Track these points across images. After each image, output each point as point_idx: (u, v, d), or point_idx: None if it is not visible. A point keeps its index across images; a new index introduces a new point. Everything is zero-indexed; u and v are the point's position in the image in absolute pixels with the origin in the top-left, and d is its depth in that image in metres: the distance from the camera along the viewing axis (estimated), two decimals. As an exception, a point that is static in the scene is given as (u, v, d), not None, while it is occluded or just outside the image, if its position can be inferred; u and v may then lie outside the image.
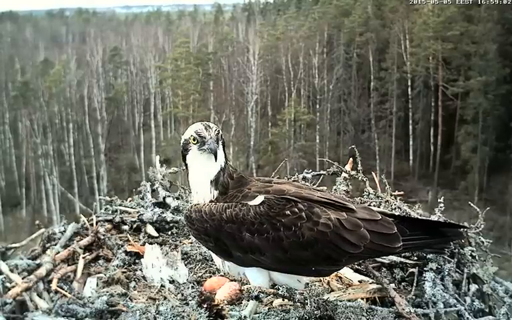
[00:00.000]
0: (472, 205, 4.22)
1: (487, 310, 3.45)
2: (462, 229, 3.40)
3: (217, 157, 3.10)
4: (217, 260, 3.30)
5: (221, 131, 3.16)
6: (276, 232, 2.96)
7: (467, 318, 3.19)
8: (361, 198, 4.48)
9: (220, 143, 3.14)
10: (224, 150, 3.19)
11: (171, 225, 4.59)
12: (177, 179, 5.71)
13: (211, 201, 3.13)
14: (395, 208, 4.22)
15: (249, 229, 2.98)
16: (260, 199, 3.04)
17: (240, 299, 3.55)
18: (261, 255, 3.01)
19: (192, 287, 3.88)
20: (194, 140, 3.12)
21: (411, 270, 3.68)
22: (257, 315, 3.22)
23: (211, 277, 4.02)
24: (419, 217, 4.01)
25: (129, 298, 3.68)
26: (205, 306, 3.22)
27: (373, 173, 4.83)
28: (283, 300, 3.34)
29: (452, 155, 44.15)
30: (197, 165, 3.16)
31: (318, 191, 3.36)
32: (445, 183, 41.30)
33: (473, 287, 3.54)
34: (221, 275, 4.00)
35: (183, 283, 3.95)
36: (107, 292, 3.66)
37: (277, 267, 3.10)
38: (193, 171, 3.19)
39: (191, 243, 4.41)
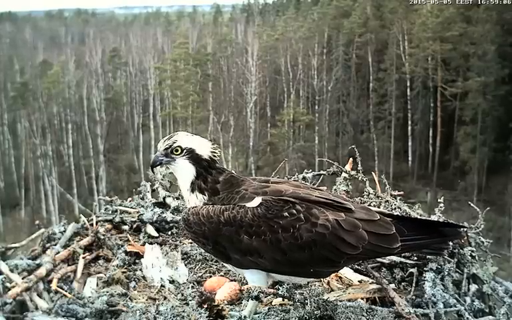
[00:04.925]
0: (472, 205, 4.22)
1: (487, 310, 3.44)
2: (461, 229, 3.38)
3: (153, 169, 3.33)
4: None
5: (183, 143, 3.12)
6: (274, 234, 2.94)
7: (467, 318, 3.18)
8: (361, 198, 4.48)
9: (181, 155, 3.13)
10: (200, 159, 3.13)
11: (171, 225, 4.58)
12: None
13: (205, 203, 3.11)
14: (395, 208, 4.22)
15: (247, 231, 2.96)
16: (258, 200, 3.02)
17: (240, 299, 3.55)
18: (259, 257, 2.99)
19: (192, 286, 3.88)
20: None
21: (411, 270, 3.66)
22: (257, 315, 3.21)
23: (211, 276, 4.02)
24: (418, 217, 4.01)
25: (129, 298, 3.68)
26: (205, 306, 3.21)
27: (373, 173, 4.82)
28: (283, 300, 3.33)
29: (451, 156, 44.17)
30: (176, 174, 3.28)
31: (316, 190, 3.33)
32: (444, 184, 41.25)
33: (473, 287, 3.54)
34: (221, 275, 4.01)
35: (183, 283, 3.95)
36: (107, 292, 3.66)
37: (276, 269, 3.08)
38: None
39: (191, 243, 4.40)
